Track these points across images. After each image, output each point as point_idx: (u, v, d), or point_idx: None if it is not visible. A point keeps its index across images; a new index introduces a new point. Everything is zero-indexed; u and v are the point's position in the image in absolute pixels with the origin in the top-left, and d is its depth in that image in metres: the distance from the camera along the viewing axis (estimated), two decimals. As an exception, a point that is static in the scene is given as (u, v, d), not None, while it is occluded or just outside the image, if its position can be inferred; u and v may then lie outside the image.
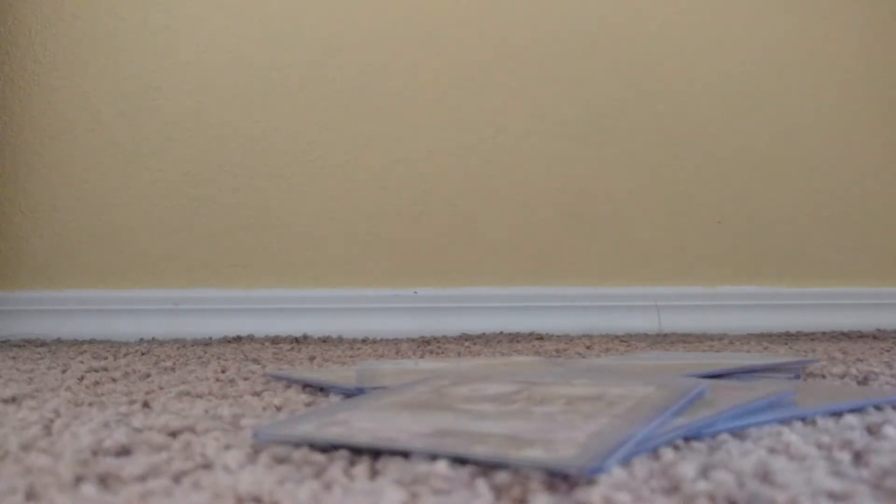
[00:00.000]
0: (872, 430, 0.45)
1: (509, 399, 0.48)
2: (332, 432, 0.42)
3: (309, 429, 0.43)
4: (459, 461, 0.36)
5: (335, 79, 1.30)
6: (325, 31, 1.30)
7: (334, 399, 0.58)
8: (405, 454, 0.37)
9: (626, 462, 0.36)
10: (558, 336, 1.20)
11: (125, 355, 0.93)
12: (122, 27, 1.27)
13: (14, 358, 0.91)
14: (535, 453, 0.35)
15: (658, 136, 1.35)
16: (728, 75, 1.37)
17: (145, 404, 0.56)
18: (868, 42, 1.40)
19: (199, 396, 0.59)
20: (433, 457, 0.37)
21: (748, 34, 1.37)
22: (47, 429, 0.46)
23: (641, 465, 0.36)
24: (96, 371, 0.77)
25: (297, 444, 0.40)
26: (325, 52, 1.30)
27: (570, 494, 0.32)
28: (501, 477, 0.33)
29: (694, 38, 1.36)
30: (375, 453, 0.38)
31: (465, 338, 1.17)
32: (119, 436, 0.42)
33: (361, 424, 0.43)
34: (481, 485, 0.33)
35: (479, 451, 0.36)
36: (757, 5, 1.38)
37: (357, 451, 0.39)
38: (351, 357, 0.90)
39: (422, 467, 0.35)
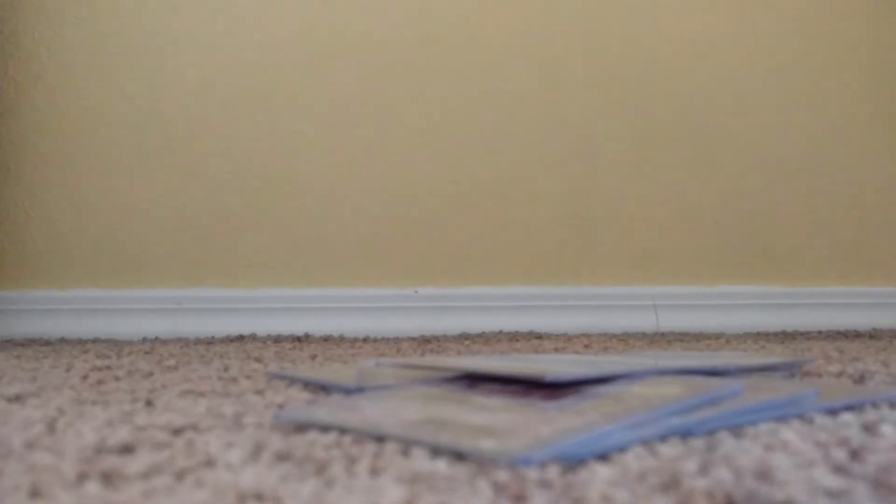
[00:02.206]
0: (869, 428, 0.45)
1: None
2: (341, 417, 0.43)
3: (322, 413, 0.45)
4: (459, 457, 0.36)
5: (336, 81, 1.30)
6: (325, 33, 1.30)
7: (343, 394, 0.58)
8: (407, 451, 0.38)
9: (605, 456, 0.37)
10: (557, 335, 1.21)
11: (128, 354, 0.93)
12: (125, 29, 1.27)
13: (18, 357, 0.91)
14: (487, 443, 0.36)
15: (656, 136, 1.35)
16: (726, 76, 1.37)
17: (148, 402, 0.56)
18: (868, 42, 1.40)
19: (202, 395, 0.60)
20: (434, 452, 0.37)
21: (747, 35, 1.37)
22: (51, 427, 0.47)
23: (640, 462, 0.36)
24: (100, 370, 0.77)
25: (306, 427, 0.41)
26: (325, 54, 1.30)
27: (567, 492, 0.32)
28: (501, 475, 0.34)
29: (693, 39, 1.36)
30: (377, 451, 0.39)
31: (464, 337, 1.18)
32: (122, 434, 0.43)
33: (370, 412, 0.44)
34: (481, 482, 0.33)
35: (441, 437, 0.38)
36: (756, 5, 1.38)
37: (359, 449, 0.39)
38: (352, 356, 0.91)
39: (423, 465, 0.36)
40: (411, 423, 0.41)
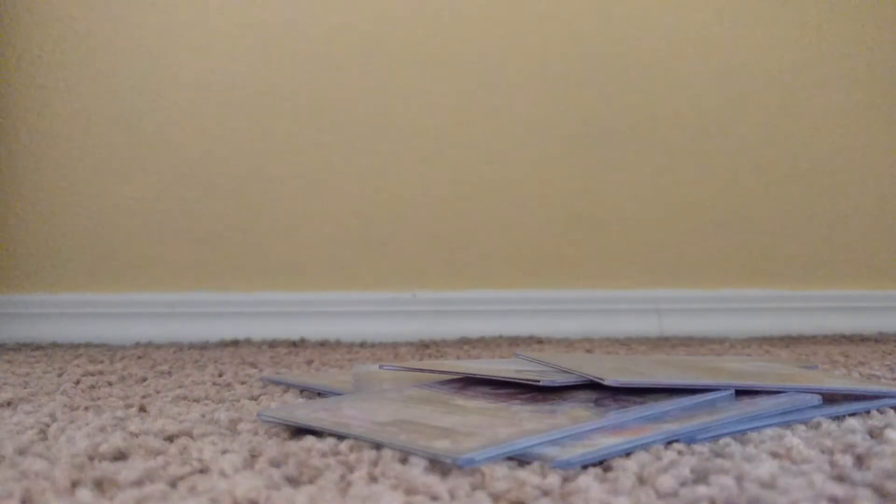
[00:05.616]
0: (874, 434, 0.45)
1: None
2: (316, 417, 0.44)
3: (301, 413, 0.46)
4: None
5: (333, 81, 1.29)
6: (322, 34, 1.30)
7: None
8: (405, 460, 0.37)
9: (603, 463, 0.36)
10: (558, 339, 1.20)
11: (121, 359, 0.92)
12: (119, 29, 1.26)
13: (10, 362, 0.90)
14: (441, 443, 0.37)
15: (658, 138, 1.34)
16: (728, 78, 1.36)
17: (142, 408, 0.55)
18: (869, 43, 1.40)
19: (196, 401, 0.59)
20: (433, 460, 0.37)
21: (748, 36, 1.37)
22: (43, 433, 0.46)
23: (643, 468, 0.36)
24: (92, 375, 0.76)
25: (288, 427, 0.42)
26: (322, 55, 1.30)
27: (567, 499, 0.31)
28: (500, 484, 0.33)
29: (694, 39, 1.36)
30: (375, 458, 0.38)
31: (464, 341, 1.17)
32: (115, 440, 0.42)
33: (346, 412, 0.45)
34: (479, 492, 0.33)
35: (399, 438, 0.39)
36: (757, 7, 1.38)
37: (356, 455, 0.39)
38: (349, 361, 0.90)
39: (420, 473, 0.35)
40: (377, 424, 0.42)
